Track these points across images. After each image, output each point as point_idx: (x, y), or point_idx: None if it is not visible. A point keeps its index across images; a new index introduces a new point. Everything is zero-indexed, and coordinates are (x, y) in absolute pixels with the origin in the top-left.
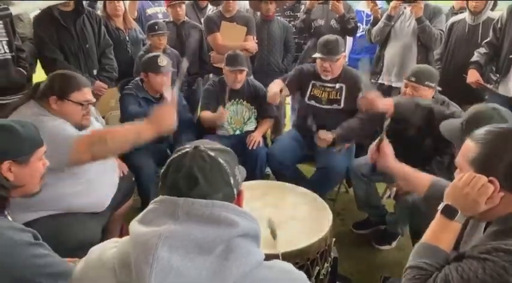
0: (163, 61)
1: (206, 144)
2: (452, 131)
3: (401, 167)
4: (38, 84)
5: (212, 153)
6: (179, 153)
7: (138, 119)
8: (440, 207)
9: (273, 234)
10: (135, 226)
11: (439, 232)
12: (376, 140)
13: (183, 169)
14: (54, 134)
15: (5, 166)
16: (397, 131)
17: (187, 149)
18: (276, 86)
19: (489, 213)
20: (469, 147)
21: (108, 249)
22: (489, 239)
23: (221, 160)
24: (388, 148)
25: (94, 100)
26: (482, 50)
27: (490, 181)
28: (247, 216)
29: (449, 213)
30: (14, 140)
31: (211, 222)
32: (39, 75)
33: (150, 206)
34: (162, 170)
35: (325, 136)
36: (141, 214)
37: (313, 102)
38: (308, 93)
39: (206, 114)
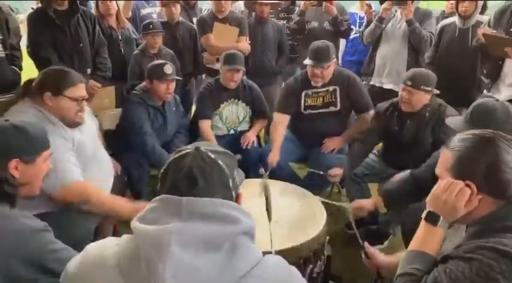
0: (169, 69)
1: (207, 145)
2: (457, 124)
3: (388, 262)
4: (31, 80)
5: (212, 155)
6: (180, 153)
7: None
8: (424, 214)
9: (269, 216)
10: (137, 225)
11: (425, 239)
12: (362, 253)
13: (183, 169)
14: (57, 160)
15: (13, 164)
16: (393, 137)
17: (188, 150)
18: None
19: (469, 216)
20: (447, 156)
21: (109, 247)
22: (471, 239)
23: (221, 163)
24: (374, 252)
25: (87, 96)
26: None
27: (467, 186)
28: (248, 215)
29: (432, 219)
30: (23, 139)
31: (216, 220)
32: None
33: (151, 205)
34: (162, 170)
35: (336, 172)
36: (142, 213)
37: (309, 111)
38: (303, 104)
39: (207, 129)
